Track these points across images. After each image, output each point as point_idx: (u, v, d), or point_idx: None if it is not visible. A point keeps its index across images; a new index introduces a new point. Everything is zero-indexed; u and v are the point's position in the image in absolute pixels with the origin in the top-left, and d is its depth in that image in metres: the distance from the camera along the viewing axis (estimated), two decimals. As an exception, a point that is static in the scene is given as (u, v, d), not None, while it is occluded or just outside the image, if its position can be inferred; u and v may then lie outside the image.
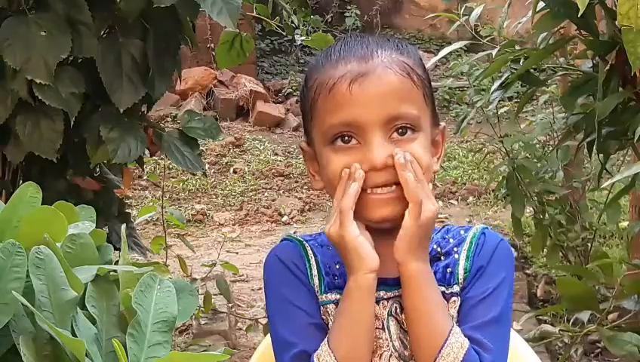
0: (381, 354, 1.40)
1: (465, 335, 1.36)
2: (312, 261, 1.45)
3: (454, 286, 1.42)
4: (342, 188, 1.35)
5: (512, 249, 5.31)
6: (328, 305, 1.43)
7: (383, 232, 1.40)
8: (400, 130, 1.36)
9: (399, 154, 1.33)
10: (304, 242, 1.48)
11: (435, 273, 1.41)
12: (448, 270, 1.42)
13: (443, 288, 1.41)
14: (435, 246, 1.44)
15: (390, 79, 1.36)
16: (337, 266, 1.43)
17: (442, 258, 1.44)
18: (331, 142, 1.38)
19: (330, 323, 1.41)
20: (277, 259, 1.47)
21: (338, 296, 1.41)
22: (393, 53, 1.39)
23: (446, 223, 1.53)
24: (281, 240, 1.52)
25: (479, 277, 1.42)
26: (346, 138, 1.36)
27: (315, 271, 1.44)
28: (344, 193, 1.34)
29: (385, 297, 1.41)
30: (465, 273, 1.42)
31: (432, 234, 1.41)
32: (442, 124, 1.47)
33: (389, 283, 1.41)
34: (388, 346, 1.40)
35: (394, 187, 1.35)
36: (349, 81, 1.35)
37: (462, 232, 1.47)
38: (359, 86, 1.34)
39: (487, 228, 1.48)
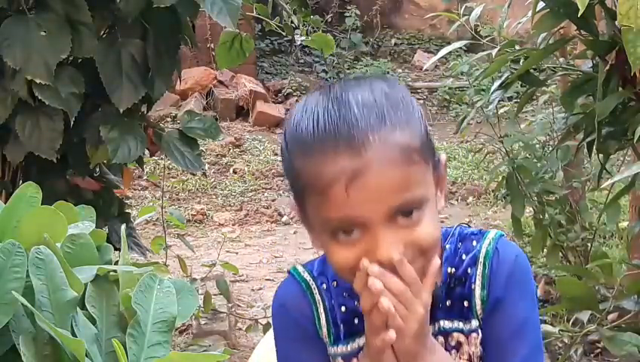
0: None
1: None
2: (320, 308, 1.36)
3: (472, 322, 1.33)
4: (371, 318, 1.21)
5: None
6: (337, 358, 1.36)
7: None
8: (405, 212, 1.21)
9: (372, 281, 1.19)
10: (310, 283, 1.38)
11: (451, 307, 1.33)
12: (465, 303, 1.33)
13: (461, 324, 1.33)
14: (448, 270, 1.34)
15: (389, 174, 1.19)
16: (343, 309, 1.35)
17: (457, 287, 1.33)
18: (331, 233, 1.23)
19: None
20: (285, 309, 1.38)
21: (344, 348, 1.35)
22: (387, 133, 1.20)
23: (458, 226, 1.39)
24: (288, 272, 1.42)
25: (500, 309, 1.32)
26: (347, 230, 1.22)
27: (323, 321, 1.36)
28: (379, 345, 1.21)
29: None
30: (482, 303, 1.33)
31: (440, 249, 1.34)
32: (442, 156, 1.32)
33: None
34: None
35: None
36: (343, 184, 1.18)
37: (474, 243, 1.35)
38: (355, 187, 1.18)
39: (502, 235, 1.36)
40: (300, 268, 1.41)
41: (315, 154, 1.22)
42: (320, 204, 1.23)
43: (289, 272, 1.41)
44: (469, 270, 1.34)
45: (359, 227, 1.22)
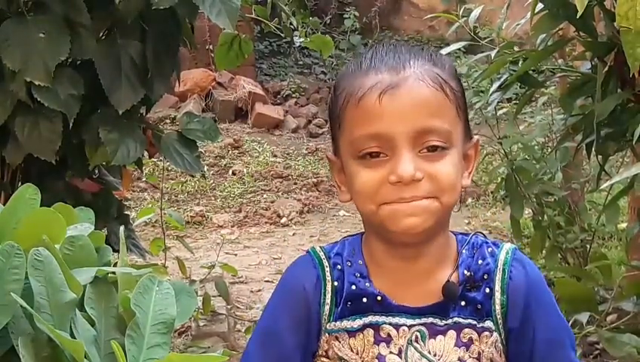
0: None
1: None
2: (329, 286, 1.40)
3: (486, 322, 1.38)
4: None
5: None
6: (338, 334, 1.39)
7: (405, 257, 1.37)
8: (430, 147, 1.30)
9: None
10: (323, 262, 1.42)
11: (465, 307, 1.38)
12: (478, 306, 1.38)
13: (474, 322, 1.38)
14: (465, 272, 1.39)
15: (422, 92, 1.31)
16: (353, 288, 1.39)
17: (473, 290, 1.38)
18: (359, 156, 1.33)
19: (335, 353, 1.39)
20: (291, 275, 1.44)
21: (351, 323, 1.38)
22: (426, 65, 1.34)
23: (474, 234, 1.45)
24: (307, 252, 1.47)
25: (533, 319, 1.39)
26: (374, 153, 1.31)
27: (328, 299, 1.39)
28: None
29: (407, 324, 1.37)
30: (502, 308, 1.38)
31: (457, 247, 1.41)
32: (476, 137, 1.41)
33: (411, 311, 1.37)
34: None
35: (422, 200, 1.30)
36: (379, 92, 1.30)
37: (489, 250, 1.42)
38: (389, 97, 1.29)
39: (517, 248, 1.44)
40: (317, 248, 1.46)
41: (361, 75, 1.34)
42: (355, 119, 1.32)
43: (307, 251, 1.47)
44: (485, 276, 1.39)
45: (386, 147, 1.30)
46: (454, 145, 1.33)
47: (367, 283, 1.38)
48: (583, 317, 2.91)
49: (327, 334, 1.39)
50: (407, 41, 11.70)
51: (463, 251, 1.41)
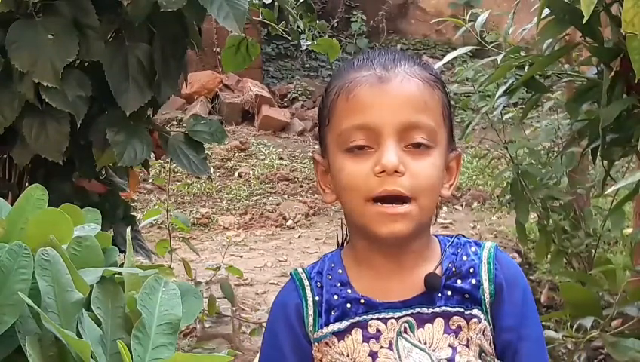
0: None
1: None
2: (310, 301, 1.44)
3: (474, 310, 1.41)
4: None
5: (516, 254, 5.36)
6: (326, 339, 1.42)
7: (388, 254, 1.40)
8: (415, 144, 1.34)
9: None
10: (304, 282, 1.47)
11: (452, 296, 1.41)
12: (466, 295, 1.41)
13: (462, 309, 1.41)
14: (449, 265, 1.43)
15: (411, 87, 1.36)
16: (336, 298, 1.43)
17: (459, 281, 1.42)
18: (346, 149, 1.36)
19: (329, 360, 1.42)
20: (278, 305, 1.49)
21: (338, 326, 1.41)
22: (416, 66, 1.40)
23: (457, 236, 1.49)
24: (290, 274, 1.52)
25: (518, 312, 1.43)
26: (361, 145, 1.35)
27: (310, 312, 1.44)
28: None
29: (395, 317, 1.40)
30: (490, 297, 1.41)
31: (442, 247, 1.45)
32: (458, 150, 1.45)
33: (397, 306, 1.40)
34: None
35: (404, 204, 1.34)
36: (369, 85, 1.36)
37: (473, 249, 1.46)
38: (379, 91, 1.35)
39: (497, 246, 1.48)
40: (300, 270, 1.51)
41: (353, 71, 1.40)
42: (344, 111, 1.37)
43: (290, 274, 1.52)
44: (471, 270, 1.43)
45: (372, 139, 1.34)
46: (438, 145, 1.37)
47: (348, 290, 1.43)
48: (588, 321, 2.91)
49: (316, 343, 1.42)
50: (414, 45, 11.73)
51: (447, 249, 1.45)
